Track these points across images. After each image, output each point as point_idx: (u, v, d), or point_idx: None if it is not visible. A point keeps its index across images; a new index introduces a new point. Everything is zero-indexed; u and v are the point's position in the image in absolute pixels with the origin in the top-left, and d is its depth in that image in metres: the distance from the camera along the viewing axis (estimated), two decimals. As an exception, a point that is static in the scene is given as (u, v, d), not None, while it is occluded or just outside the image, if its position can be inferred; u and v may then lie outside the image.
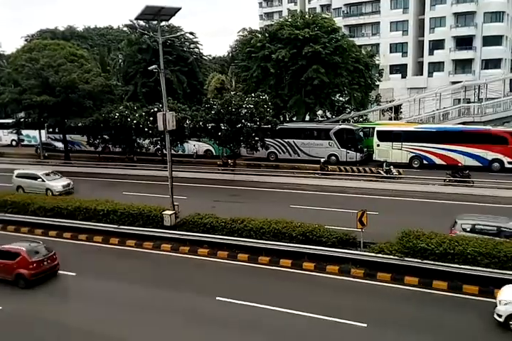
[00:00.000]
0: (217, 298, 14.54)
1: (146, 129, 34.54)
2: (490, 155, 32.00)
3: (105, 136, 38.72)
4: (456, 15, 54.79)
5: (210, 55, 52.79)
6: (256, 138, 33.80)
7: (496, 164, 31.84)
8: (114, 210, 20.90)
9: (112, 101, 39.03)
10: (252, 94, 34.51)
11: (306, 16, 42.70)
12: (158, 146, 37.61)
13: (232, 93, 35.53)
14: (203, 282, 15.96)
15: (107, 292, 15.46)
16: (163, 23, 36.60)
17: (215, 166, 35.78)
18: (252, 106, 32.39)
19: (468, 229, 16.74)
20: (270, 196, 27.47)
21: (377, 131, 35.47)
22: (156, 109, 33.19)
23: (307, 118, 44.46)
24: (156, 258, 18.44)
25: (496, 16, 53.51)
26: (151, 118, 32.86)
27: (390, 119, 44.18)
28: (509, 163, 31.37)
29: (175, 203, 20.54)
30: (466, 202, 24.14)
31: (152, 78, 40.13)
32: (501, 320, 12.40)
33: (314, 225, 17.70)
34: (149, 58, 41.19)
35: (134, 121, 34.85)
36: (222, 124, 33.24)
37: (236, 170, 34.50)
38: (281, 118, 42.96)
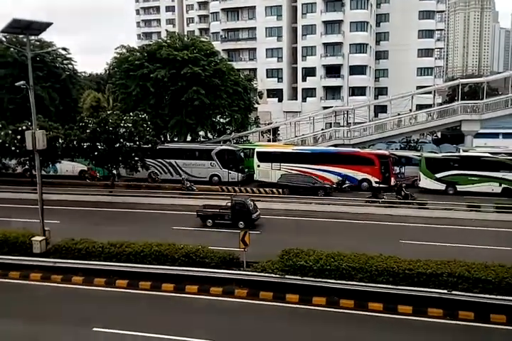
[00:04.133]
0: (93, 329, 13.20)
1: (13, 148, 31.36)
2: (359, 175, 34.13)
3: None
4: (325, 45, 59.23)
5: (85, 72, 50.11)
6: (136, 158, 32.46)
7: (365, 183, 34.05)
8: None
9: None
10: (131, 113, 33.28)
11: (185, 38, 42.87)
12: (26, 167, 34.37)
13: (108, 112, 33.92)
14: (77, 312, 14.37)
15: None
16: (32, 37, 33.98)
17: (92, 188, 33.53)
18: (130, 125, 31.22)
19: None
20: (152, 218, 26.27)
21: (257, 152, 36.23)
22: (24, 127, 30.33)
23: (189, 138, 44.07)
24: (24, 289, 16.38)
25: (360, 48, 58.90)
26: (19, 137, 29.97)
27: (269, 141, 45.56)
28: (376, 182, 33.77)
29: (46, 228, 18.62)
30: (344, 219, 25.36)
31: (20, 94, 36.76)
32: None
33: (198, 246, 17.08)
34: (17, 73, 37.85)
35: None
36: (98, 144, 31.48)
37: (114, 191, 32.66)
38: (162, 139, 42.04)
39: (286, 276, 15.47)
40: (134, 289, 16.21)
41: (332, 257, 15.51)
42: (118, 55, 42.16)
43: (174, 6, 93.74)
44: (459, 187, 32.24)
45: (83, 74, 47.84)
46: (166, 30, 50.69)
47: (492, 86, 56.23)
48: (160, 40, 45.12)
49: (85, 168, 37.59)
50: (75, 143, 31.78)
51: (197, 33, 73.81)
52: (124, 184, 35.25)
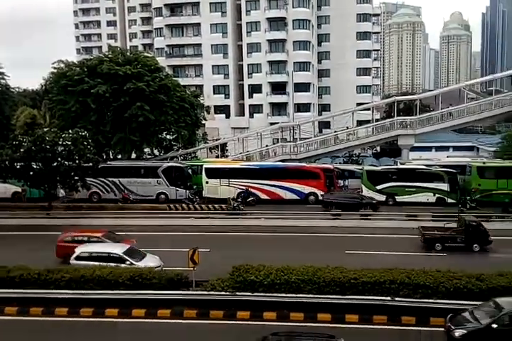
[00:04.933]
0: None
1: None
2: (306, 189, 34.86)
3: None
4: (271, 63, 60.44)
5: (19, 88, 48.02)
6: (76, 178, 31.23)
7: (312, 197, 34.82)
8: None
9: None
10: (70, 131, 32.27)
11: (128, 53, 42.36)
12: None
13: (45, 129, 32.57)
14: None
15: None
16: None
17: (28, 210, 31.76)
18: (69, 143, 30.16)
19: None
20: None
21: (206, 169, 36.20)
22: None
23: (133, 156, 43.35)
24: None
25: (304, 66, 60.62)
26: None
27: (217, 157, 45.65)
28: (322, 195, 34.61)
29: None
30: (301, 233, 25.77)
31: None
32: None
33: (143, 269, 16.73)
34: None
35: None
36: (34, 163, 30.11)
37: (52, 213, 31.20)
38: (105, 156, 40.96)
39: (237, 293, 15.43)
40: (75, 317, 15.51)
41: (282, 271, 15.69)
42: (55, 70, 40.89)
43: (116, 21, 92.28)
44: (398, 198, 33.76)
45: (17, 89, 45.62)
46: (108, 45, 49.95)
47: (424, 103, 59.32)
48: (101, 54, 44.32)
49: (19, 190, 35.65)
50: (7, 163, 30.06)
51: (140, 48, 73.22)
52: (63, 205, 33.67)
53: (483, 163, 36.67)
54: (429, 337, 13.90)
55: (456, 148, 66.54)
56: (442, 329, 13.78)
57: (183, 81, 49.72)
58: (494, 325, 12.65)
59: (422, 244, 22.82)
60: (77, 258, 18.57)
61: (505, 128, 68.32)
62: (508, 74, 49.30)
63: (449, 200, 33.18)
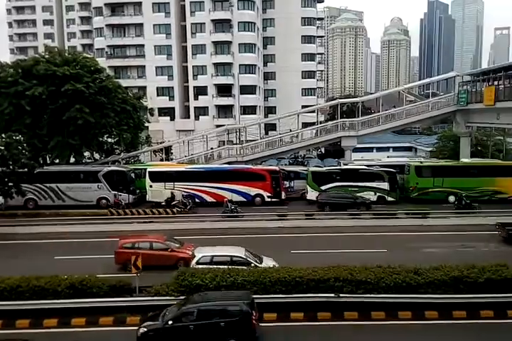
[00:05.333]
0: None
1: None
2: (253, 191, 34.97)
3: None
4: (216, 65, 60.23)
5: None
6: (9, 184, 29.66)
7: (258, 199, 34.96)
8: None
9: None
10: (3, 135, 30.63)
11: (66, 54, 40.78)
12: None
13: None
14: None
15: None
16: None
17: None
18: (2, 148, 28.60)
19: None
20: (30, 248, 24.07)
21: (149, 172, 35.48)
22: None
23: (72, 160, 41.81)
24: None
25: (250, 68, 60.84)
26: None
27: (162, 160, 44.86)
28: (268, 197, 34.85)
29: None
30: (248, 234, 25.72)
31: None
32: None
33: (84, 276, 16.07)
34: None
35: None
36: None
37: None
38: (41, 161, 39.09)
39: (182, 297, 15.14)
40: (9, 328, 14.68)
41: (228, 273, 15.64)
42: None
43: (53, 20, 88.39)
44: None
45: None
46: (45, 45, 47.84)
47: (366, 105, 61.23)
48: (37, 55, 42.40)
49: None
50: None
51: (79, 48, 70.72)
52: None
53: (421, 162, 38.29)
54: (367, 329, 14.20)
55: (395, 149, 69.38)
56: (382, 322, 14.19)
57: (125, 82, 48.46)
58: (170, 322, 13.00)
59: (502, 239, 23.54)
60: (198, 263, 17.78)
61: (441, 129, 71.84)
62: (444, 78, 51.64)
63: (389, 199, 34.38)
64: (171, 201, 33.26)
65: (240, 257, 17.89)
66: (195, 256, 18.29)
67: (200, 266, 17.20)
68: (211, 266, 16.89)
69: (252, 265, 17.39)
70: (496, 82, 36.71)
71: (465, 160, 38.86)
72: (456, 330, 14.01)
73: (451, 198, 33.97)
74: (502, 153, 50.25)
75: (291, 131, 45.63)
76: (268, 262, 18.17)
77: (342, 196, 32.53)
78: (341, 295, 14.94)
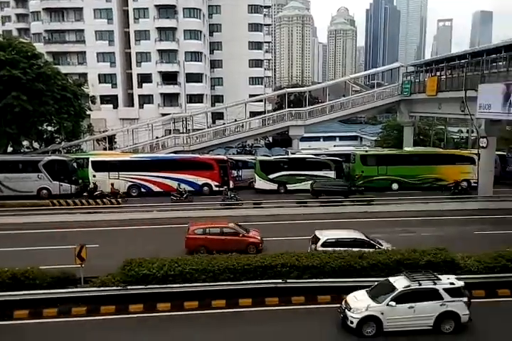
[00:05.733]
0: None
1: None
2: (200, 180, 34.70)
3: None
4: (161, 52, 58.97)
5: None
6: None
7: (206, 188, 34.74)
8: None
9: None
10: None
11: (0, 38, 38.67)
12: None
13: None
14: None
15: None
16: None
17: None
18: None
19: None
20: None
21: (92, 162, 34.35)
22: None
23: (10, 149, 39.80)
24: None
25: (195, 56, 60.03)
26: None
27: (105, 149, 43.58)
28: (216, 186, 34.70)
29: None
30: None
31: None
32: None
33: (26, 268, 15.43)
34: None
35: None
36: None
37: None
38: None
39: (129, 287, 15.06)
40: None
41: (176, 262, 15.56)
42: None
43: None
44: (289, 186, 35.03)
45: None
46: (-23, 29, 45.07)
47: (313, 95, 62.14)
48: (-32, 39, 39.92)
49: None
50: None
51: (15, 33, 66.85)
52: None
53: (366, 151, 39.42)
54: (318, 313, 14.58)
55: (342, 138, 71.12)
56: (330, 305, 14.60)
57: (64, 69, 46.52)
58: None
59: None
60: (324, 245, 18.08)
61: (385, 118, 74.27)
62: (389, 68, 53.01)
63: (336, 187, 35.17)
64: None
65: (363, 239, 18.48)
66: (319, 239, 18.50)
67: (324, 249, 17.52)
68: (336, 248, 17.12)
69: (376, 247, 17.99)
70: (438, 73, 38.05)
71: (408, 148, 40.38)
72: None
73: (395, 186, 35.30)
74: (443, 141, 52.60)
75: (236, 120, 45.54)
76: (387, 245, 18.59)
77: (336, 184, 33.15)
78: (288, 280, 15.20)
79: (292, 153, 39.24)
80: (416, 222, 25.75)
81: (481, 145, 30.79)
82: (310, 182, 34.14)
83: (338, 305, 13.89)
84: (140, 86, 59.85)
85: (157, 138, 44.69)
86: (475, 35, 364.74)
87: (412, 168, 35.73)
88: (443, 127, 55.85)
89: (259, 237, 20.80)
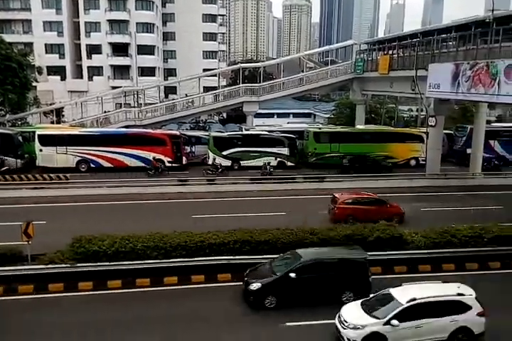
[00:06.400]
0: None
1: None
2: (152, 156, 34.11)
3: None
4: (111, 22, 56.55)
5: None
6: None
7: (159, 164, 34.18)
8: None
9: None
10: None
11: None
12: None
13: None
14: None
15: None
16: None
17: None
18: None
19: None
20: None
21: (39, 136, 32.94)
22: None
23: None
24: None
25: (147, 27, 58.02)
26: None
27: (52, 123, 41.87)
28: (169, 162, 34.18)
29: None
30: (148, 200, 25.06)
31: None
32: None
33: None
34: None
35: None
36: None
37: None
38: None
39: (78, 264, 14.81)
40: None
41: (127, 239, 15.39)
42: None
43: None
44: (243, 163, 35.06)
45: None
46: None
47: (268, 71, 61.74)
48: None
49: None
50: None
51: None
52: None
53: (319, 128, 39.85)
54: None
55: (295, 115, 71.48)
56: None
57: (8, 38, 43.80)
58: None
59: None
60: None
61: (338, 96, 75.03)
62: (342, 46, 53.17)
63: (289, 163, 35.55)
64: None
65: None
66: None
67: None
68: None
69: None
70: (390, 52, 38.49)
71: (360, 126, 41.10)
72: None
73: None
74: (394, 120, 53.91)
75: (186, 95, 44.65)
76: None
77: (366, 159, 34.99)
78: (239, 257, 15.35)
79: (246, 130, 39.13)
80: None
81: (429, 124, 31.70)
82: (264, 159, 34.30)
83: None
84: (89, 57, 57.43)
85: (105, 112, 43.20)
86: (427, 15, 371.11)
87: (363, 145, 36.49)
88: (394, 106, 57.16)
89: (402, 208, 21.89)
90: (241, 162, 35.09)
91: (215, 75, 48.46)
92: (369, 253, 14.82)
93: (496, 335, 12.15)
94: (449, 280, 13.16)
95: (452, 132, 40.46)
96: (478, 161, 32.85)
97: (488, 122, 41.36)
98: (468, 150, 34.63)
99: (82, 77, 58.12)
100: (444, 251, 16.43)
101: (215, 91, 45.13)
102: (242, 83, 45.05)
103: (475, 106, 35.55)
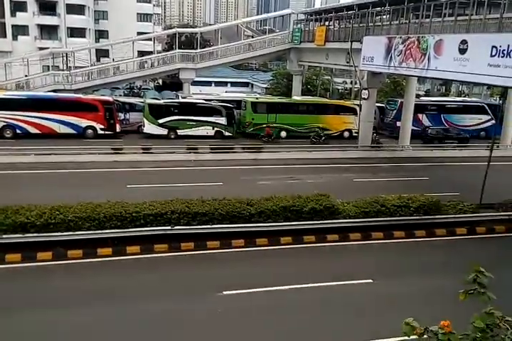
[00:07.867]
0: None
1: None
2: (84, 122, 32.62)
3: None
4: (36, -24, 52.28)
5: None
6: None
7: (90, 131, 32.82)
8: None
9: None
10: None
11: None
12: None
13: None
14: None
15: None
16: None
17: None
18: None
19: None
20: None
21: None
22: None
23: None
24: None
25: (76, -16, 54.19)
26: None
27: (-30, 85, 38.59)
28: (101, 129, 32.90)
29: None
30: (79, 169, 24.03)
31: None
32: None
33: None
34: None
35: None
36: None
37: None
38: None
39: (4, 236, 14.10)
40: None
41: (57, 210, 14.79)
42: None
43: None
44: (180, 132, 34.34)
45: None
46: None
47: (205, 37, 60.09)
48: None
49: None
50: None
51: None
52: None
53: (257, 98, 39.71)
54: (206, 258, 14.92)
55: (233, 84, 70.65)
56: (220, 251, 15.06)
57: None
58: None
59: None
60: None
61: (275, 66, 74.83)
62: (280, 15, 52.67)
63: (227, 133, 35.33)
64: None
65: None
66: None
67: None
68: None
69: None
70: (327, 23, 38.65)
71: (296, 97, 41.40)
72: (282, 254, 15.48)
73: (283, 134, 36.43)
74: (329, 92, 54.75)
75: (113, 60, 42.62)
76: None
77: (447, 131, 38.67)
78: (177, 227, 15.23)
79: (183, 98, 38.22)
80: (301, 169, 26.89)
81: (362, 96, 32.53)
82: (201, 128, 33.84)
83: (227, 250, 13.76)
84: (13, 15, 53.11)
85: (26, 76, 40.27)
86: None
87: (299, 116, 36.95)
88: (329, 78, 57.96)
89: None
90: (178, 131, 34.38)
91: (150, 39, 46.50)
92: (303, 222, 15.16)
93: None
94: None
95: (384, 105, 41.85)
96: (407, 134, 34.32)
97: (418, 96, 43.16)
98: (398, 123, 36.04)
99: (5, 37, 53.79)
100: (373, 220, 17.20)
101: (150, 56, 43.36)
102: (179, 49, 43.60)
103: (405, 80, 36.82)
